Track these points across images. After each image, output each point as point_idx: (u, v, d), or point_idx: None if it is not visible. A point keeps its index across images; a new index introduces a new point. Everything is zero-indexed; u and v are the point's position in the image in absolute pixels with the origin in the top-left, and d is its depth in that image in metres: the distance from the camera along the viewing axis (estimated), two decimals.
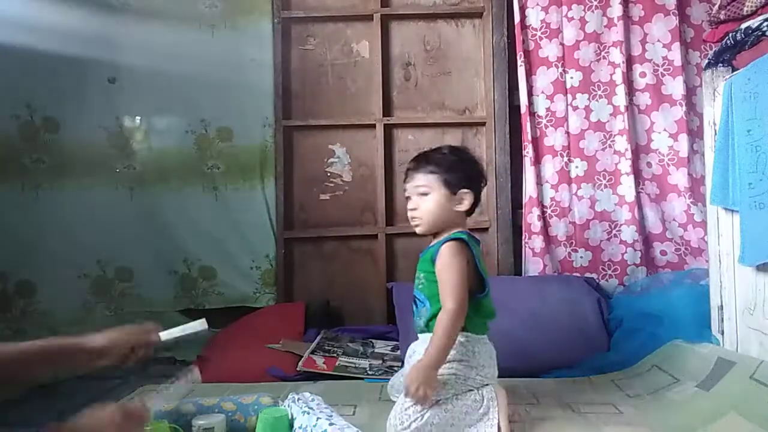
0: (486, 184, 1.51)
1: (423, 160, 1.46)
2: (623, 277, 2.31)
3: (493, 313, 1.44)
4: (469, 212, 1.47)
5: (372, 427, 1.40)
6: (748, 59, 1.54)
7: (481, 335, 1.41)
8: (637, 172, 2.37)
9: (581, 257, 2.37)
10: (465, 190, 1.42)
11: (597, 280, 2.31)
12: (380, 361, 2.01)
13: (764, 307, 1.47)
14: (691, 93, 2.40)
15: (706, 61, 1.72)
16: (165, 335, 1.29)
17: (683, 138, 2.34)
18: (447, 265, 1.35)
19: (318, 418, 1.26)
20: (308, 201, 2.65)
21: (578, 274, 2.34)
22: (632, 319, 2.03)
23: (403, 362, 1.62)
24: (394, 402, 1.39)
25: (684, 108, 2.35)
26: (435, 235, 1.46)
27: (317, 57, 2.68)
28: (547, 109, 2.43)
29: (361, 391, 1.64)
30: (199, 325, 1.33)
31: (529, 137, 2.41)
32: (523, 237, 2.40)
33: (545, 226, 2.39)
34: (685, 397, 1.52)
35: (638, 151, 2.40)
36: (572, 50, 2.42)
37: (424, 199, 1.43)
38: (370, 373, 1.92)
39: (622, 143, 2.37)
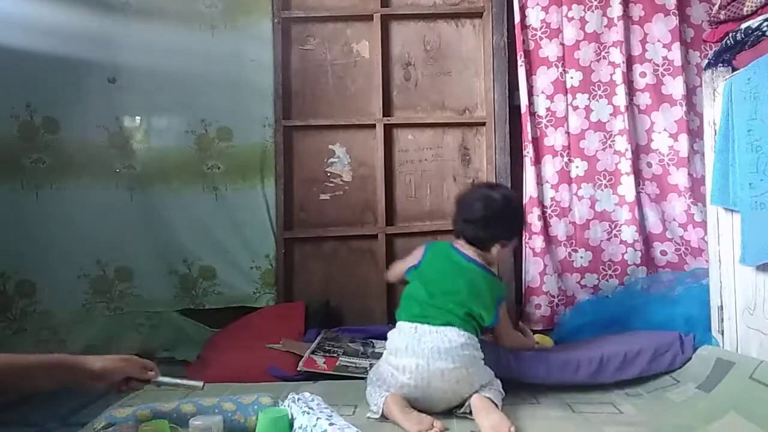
0: None
1: None
2: (623, 277, 2.31)
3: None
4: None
5: (372, 427, 1.40)
6: (748, 59, 1.55)
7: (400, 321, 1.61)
8: (637, 172, 2.37)
9: (581, 257, 2.37)
10: None
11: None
12: None
13: (764, 307, 1.47)
14: (691, 93, 2.39)
15: (706, 61, 1.72)
16: (161, 378, 1.32)
17: (683, 138, 2.34)
18: None
19: (318, 418, 1.26)
20: (308, 201, 2.65)
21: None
22: (633, 320, 2.03)
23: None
24: None
25: (684, 108, 2.35)
26: None
27: (317, 57, 2.68)
28: (547, 109, 2.42)
29: (361, 391, 1.64)
30: (197, 384, 1.37)
31: (529, 137, 2.40)
32: (524, 237, 2.40)
33: (545, 226, 2.39)
34: (685, 397, 1.53)
35: (638, 151, 2.40)
36: (572, 50, 2.42)
37: None
38: None
39: (622, 143, 2.37)
